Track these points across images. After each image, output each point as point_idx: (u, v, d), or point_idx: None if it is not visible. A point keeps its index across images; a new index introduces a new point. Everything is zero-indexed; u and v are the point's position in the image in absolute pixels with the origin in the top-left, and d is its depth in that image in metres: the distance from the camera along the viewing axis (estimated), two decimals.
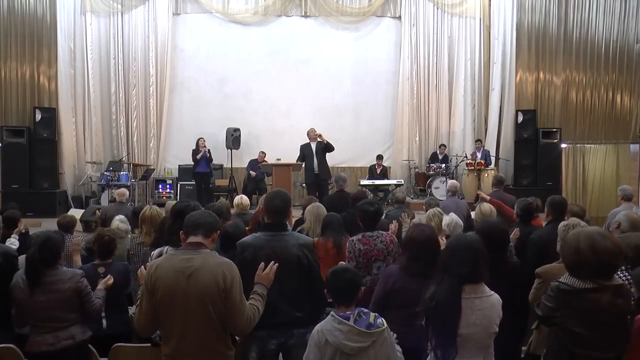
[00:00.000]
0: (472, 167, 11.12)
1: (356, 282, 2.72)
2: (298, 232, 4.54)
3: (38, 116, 10.75)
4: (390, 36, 12.58)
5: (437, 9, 12.34)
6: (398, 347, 2.71)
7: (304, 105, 12.30)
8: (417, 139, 12.41)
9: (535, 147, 11.55)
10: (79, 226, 5.73)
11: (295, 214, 7.22)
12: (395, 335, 2.68)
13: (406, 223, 5.26)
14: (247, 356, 3.07)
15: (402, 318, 3.00)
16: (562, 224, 3.48)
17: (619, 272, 2.72)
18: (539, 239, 4.24)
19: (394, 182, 11.32)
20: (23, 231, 5.05)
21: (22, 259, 3.58)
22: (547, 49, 11.80)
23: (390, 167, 12.27)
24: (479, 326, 2.53)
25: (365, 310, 2.61)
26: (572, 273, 2.49)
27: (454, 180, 8.54)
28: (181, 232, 2.75)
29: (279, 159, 10.28)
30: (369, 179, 11.41)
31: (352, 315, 2.55)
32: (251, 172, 11.17)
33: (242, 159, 11.80)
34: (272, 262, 2.87)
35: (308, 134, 9.56)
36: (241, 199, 6.38)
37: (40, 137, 10.77)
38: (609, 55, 11.70)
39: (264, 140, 12.12)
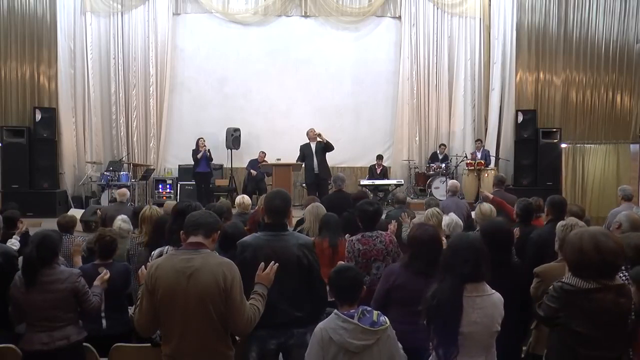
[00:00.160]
0: (472, 167, 11.12)
1: (359, 280, 2.74)
2: (298, 232, 4.55)
3: (38, 116, 10.75)
4: (390, 36, 12.58)
5: (437, 9, 12.34)
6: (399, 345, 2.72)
7: (304, 105, 12.30)
8: (417, 139, 12.41)
9: (535, 147, 11.55)
10: (79, 226, 5.73)
11: (295, 214, 7.23)
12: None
13: (406, 223, 5.27)
14: (247, 356, 3.07)
15: (401, 315, 3.01)
16: (560, 223, 3.48)
17: (619, 272, 2.72)
18: (539, 238, 4.24)
19: (394, 182, 11.32)
20: (24, 231, 5.04)
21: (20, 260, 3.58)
22: (547, 49, 11.80)
23: (390, 167, 12.27)
24: (480, 325, 2.54)
25: (369, 308, 2.63)
26: (575, 273, 2.49)
27: (455, 180, 8.55)
28: (182, 232, 2.75)
29: (279, 159, 10.28)
30: (369, 179, 11.41)
31: (356, 314, 2.57)
32: (252, 170, 11.17)
33: (242, 159, 11.81)
34: (273, 262, 2.87)
35: (307, 134, 9.58)
36: (243, 198, 6.40)
37: (40, 137, 10.77)
38: (609, 55, 11.70)
39: (264, 140, 12.12)
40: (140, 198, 11.13)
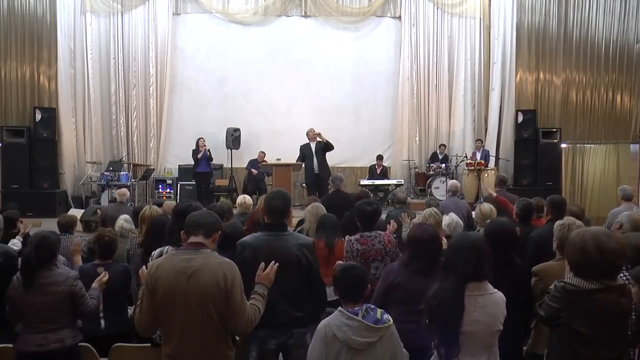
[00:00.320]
0: (472, 167, 11.13)
1: (364, 279, 2.76)
2: (298, 232, 4.55)
3: (38, 116, 10.75)
4: (390, 36, 12.58)
5: (437, 9, 12.34)
6: None
7: (304, 105, 12.30)
8: (417, 139, 12.41)
9: (535, 147, 11.55)
10: (79, 226, 5.73)
11: (295, 214, 7.23)
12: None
13: (406, 223, 5.27)
14: (247, 356, 3.07)
15: (400, 314, 3.02)
16: (557, 222, 3.48)
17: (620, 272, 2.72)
18: (539, 238, 4.25)
19: (394, 182, 11.33)
20: (27, 232, 5.03)
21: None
22: (547, 49, 11.80)
23: (390, 167, 12.27)
24: (482, 324, 2.54)
25: (372, 306, 2.65)
26: (576, 273, 2.49)
27: (455, 180, 8.55)
28: (182, 232, 2.75)
29: (279, 159, 10.28)
30: (369, 179, 11.42)
31: (360, 311, 2.58)
32: (252, 170, 11.17)
33: (242, 159, 11.81)
34: (273, 261, 2.87)
35: (307, 134, 9.59)
36: (244, 198, 6.41)
37: (40, 137, 10.77)
38: (609, 55, 11.70)
39: (264, 140, 12.12)
40: (140, 198, 11.13)
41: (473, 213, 6.22)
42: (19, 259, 3.76)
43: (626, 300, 2.46)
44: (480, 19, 12.19)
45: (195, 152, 10.89)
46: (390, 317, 2.63)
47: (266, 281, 2.83)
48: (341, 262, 4.07)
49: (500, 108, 12.05)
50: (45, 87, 11.07)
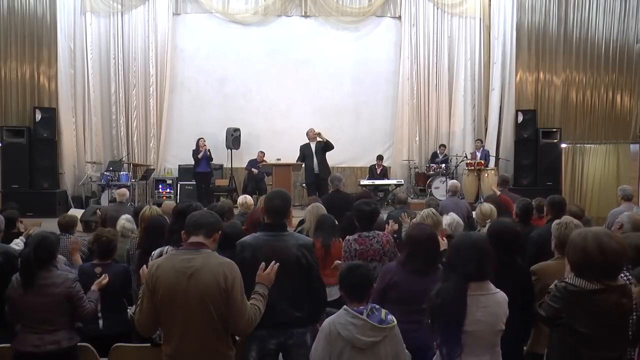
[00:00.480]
0: (472, 167, 11.13)
1: (370, 278, 2.78)
2: (298, 232, 4.55)
3: (38, 116, 10.75)
4: (390, 36, 12.57)
5: (437, 9, 12.33)
6: None
7: (304, 105, 12.30)
8: (417, 139, 12.41)
9: (535, 147, 11.55)
10: (79, 227, 5.73)
11: (295, 214, 7.23)
12: None
13: (406, 223, 5.26)
14: (247, 356, 3.07)
15: (398, 314, 3.01)
16: (555, 222, 3.48)
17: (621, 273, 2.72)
18: (539, 238, 4.25)
19: (394, 182, 11.33)
20: (30, 233, 5.02)
21: None
22: (547, 49, 11.81)
23: (390, 167, 12.27)
24: (484, 323, 2.54)
25: (377, 306, 2.67)
26: (577, 274, 2.48)
27: (455, 180, 8.55)
28: (183, 232, 2.75)
29: (279, 159, 10.28)
30: (369, 179, 11.42)
31: (365, 310, 2.60)
32: (253, 169, 11.16)
33: (242, 159, 11.80)
34: (273, 261, 2.87)
35: (307, 134, 9.59)
36: (245, 198, 6.43)
37: (40, 137, 10.77)
38: (609, 55, 11.70)
39: (264, 140, 12.12)
40: (140, 198, 11.13)
41: (473, 213, 6.23)
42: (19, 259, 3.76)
43: (627, 301, 2.46)
44: (480, 19, 12.19)
45: (195, 152, 10.89)
46: (394, 318, 2.64)
47: (267, 281, 2.82)
48: (339, 261, 4.07)
49: (500, 108, 12.05)
50: (45, 87, 11.07)
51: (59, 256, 3.69)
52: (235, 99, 12.33)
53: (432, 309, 2.57)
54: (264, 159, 11.31)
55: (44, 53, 10.99)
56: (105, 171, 10.82)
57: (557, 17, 11.74)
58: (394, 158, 12.42)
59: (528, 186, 11.15)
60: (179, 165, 11.96)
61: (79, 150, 11.60)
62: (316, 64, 12.41)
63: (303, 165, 9.55)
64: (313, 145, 9.45)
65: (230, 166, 11.57)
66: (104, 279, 3.60)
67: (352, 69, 12.48)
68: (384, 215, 6.37)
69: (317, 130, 9.53)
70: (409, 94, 12.26)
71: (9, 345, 3.26)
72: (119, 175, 10.73)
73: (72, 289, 3.27)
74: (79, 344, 3.34)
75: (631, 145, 11.85)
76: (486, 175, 11.01)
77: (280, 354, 3.16)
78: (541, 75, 11.89)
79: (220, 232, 2.79)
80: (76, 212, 7.17)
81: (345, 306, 2.67)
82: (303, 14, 12.32)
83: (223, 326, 2.63)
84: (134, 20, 11.88)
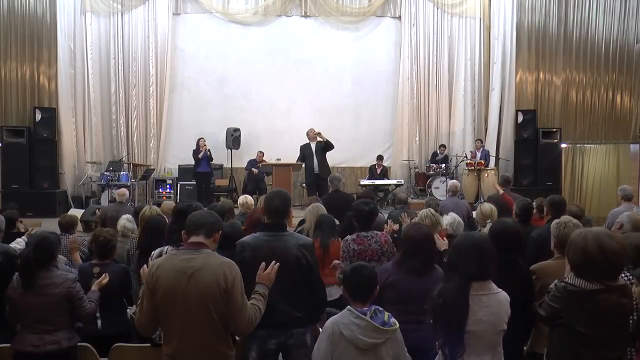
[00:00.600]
0: (472, 167, 11.13)
1: (374, 279, 2.78)
2: (299, 232, 4.55)
3: (38, 116, 10.75)
4: (390, 36, 12.58)
5: (437, 9, 12.34)
6: None
7: (304, 105, 12.30)
8: (417, 139, 12.41)
9: (535, 147, 11.56)
10: (80, 227, 5.73)
11: (295, 214, 7.23)
12: None
13: (406, 223, 5.25)
14: (247, 356, 3.07)
15: (394, 314, 3.01)
16: (554, 222, 3.49)
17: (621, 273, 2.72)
18: (539, 238, 4.25)
19: (394, 182, 11.33)
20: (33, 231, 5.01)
21: None
22: (547, 49, 11.81)
23: (390, 167, 12.27)
24: (486, 323, 2.54)
25: (380, 308, 2.66)
26: (578, 274, 2.48)
27: (455, 180, 8.55)
28: (183, 231, 2.75)
29: (279, 159, 10.29)
30: (369, 179, 11.43)
31: (368, 312, 2.60)
32: (253, 169, 11.16)
33: (242, 159, 11.80)
34: (274, 261, 2.87)
35: (307, 134, 9.59)
36: (246, 198, 6.43)
37: (40, 137, 10.77)
38: (609, 55, 11.71)
39: (264, 140, 12.12)
40: (140, 198, 11.13)
41: (473, 213, 6.23)
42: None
43: (627, 301, 2.46)
44: (480, 19, 12.19)
45: (195, 152, 10.90)
46: (396, 321, 2.64)
47: (267, 281, 2.82)
48: (337, 261, 4.07)
49: (500, 108, 12.05)
50: (45, 87, 11.07)
51: (60, 256, 3.69)
52: (235, 99, 12.33)
53: (434, 309, 2.57)
54: (263, 158, 11.31)
55: (44, 53, 10.99)
56: (105, 171, 10.82)
57: (557, 17, 11.75)
58: (394, 158, 12.42)
59: (528, 186, 11.14)
60: (179, 165, 11.96)
61: (79, 150, 11.60)
62: (316, 64, 12.41)
63: (303, 165, 9.55)
64: (313, 145, 9.45)
65: (230, 166, 11.57)
66: (104, 279, 3.59)
67: (352, 69, 12.48)
68: (385, 215, 6.37)
69: (317, 130, 9.53)
70: (409, 94, 12.26)
71: (9, 345, 3.26)
72: (119, 175, 10.73)
73: (72, 289, 3.26)
74: (78, 344, 3.34)
75: (631, 145, 11.86)
76: (486, 175, 11.01)
77: (280, 354, 3.15)
78: (541, 75, 11.90)
79: (220, 232, 2.79)
80: (76, 212, 7.19)
81: (349, 306, 2.67)
82: (303, 14, 12.32)
83: (223, 326, 2.63)
84: (134, 20, 11.88)
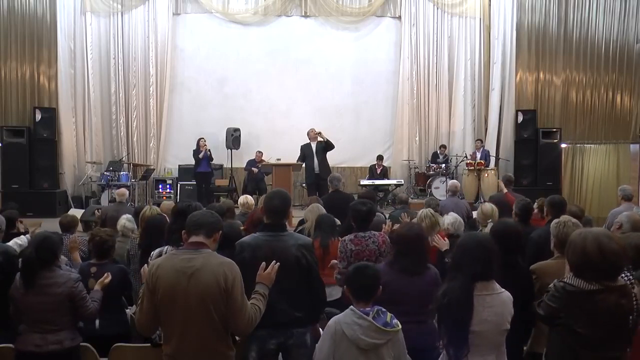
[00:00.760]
0: (472, 167, 11.13)
1: (378, 279, 2.77)
2: (299, 232, 4.54)
3: (38, 116, 10.75)
4: (390, 36, 12.57)
5: (437, 9, 12.33)
6: None
7: (304, 105, 12.30)
8: (417, 139, 12.41)
9: (535, 147, 11.56)
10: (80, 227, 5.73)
11: (295, 214, 7.23)
12: None
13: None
14: (247, 356, 3.07)
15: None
16: (554, 221, 3.49)
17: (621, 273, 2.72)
18: (539, 238, 4.25)
19: (394, 182, 11.33)
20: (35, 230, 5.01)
21: None
22: (547, 49, 11.81)
23: (390, 167, 12.27)
24: (491, 323, 2.55)
25: (383, 309, 2.66)
26: (577, 274, 2.48)
27: (455, 180, 8.55)
28: (183, 231, 2.75)
29: (279, 159, 10.29)
30: (369, 179, 11.42)
31: (371, 312, 2.61)
32: (253, 168, 11.16)
33: (242, 159, 11.80)
34: (274, 261, 2.87)
35: (308, 134, 9.59)
36: (246, 198, 6.43)
37: (40, 137, 10.77)
38: (609, 55, 11.71)
39: (264, 140, 12.11)
40: (140, 198, 11.13)
41: (474, 213, 6.23)
42: (20, 258, 3.76)
43: (626, 301, 2.46)
44: (480, 19, 12.19)
45: (196, 152, 10.90)
46: (399, 322, 2.64)
47: (267, 281, 2.82)
48: (335, 261, 4.06)
49: (500, 108, 12.05)
50: (45, 87, 11.07)
51: (61, 257, 3.69)
52: (235, 99, 12.32)
53: (438, 309, 2.57)
54: (262, 158, 11.30)
55: (44, 53, 10.99)
56: (105, 171, 10.82)
57: (557, 17, 11.75)
58: (394, 158, 12.42)
59: (528, 186, 11.13)
60: (179, 165, 11.96)
61: (79, 150, 11.60)
62: (316, 64, 12.40)
63: (303, 165, 9.54)
64: (314, 145, 9.45)
65: (230, 166, 11.57)
66: (107, 279, 3.59)
67: (352, 69, 12.47)
68: (386, 215, 6.37)
69: (317, 130, 9.53)
70: (409, 94, 12.26)
71: (9, 345, 3.26)
72: (119, 175, 10.73)
73: (75, 289, 3.26)
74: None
75: (631, 145, 11.86)
76: (486, 175, 11.02)
77: (280, 354, 3.15)
78: (541, 75, 11.90)
79: (220, 232, 2.79)
80: (76, 212, 7.18)
81: (352, 306, 2.67)
82: (303, 14, 12.32)
83: (223, 326, 2.63)
84: (134, 20, 11.88)
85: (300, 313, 3.10)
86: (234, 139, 11.55)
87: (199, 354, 2.61)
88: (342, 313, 2.69)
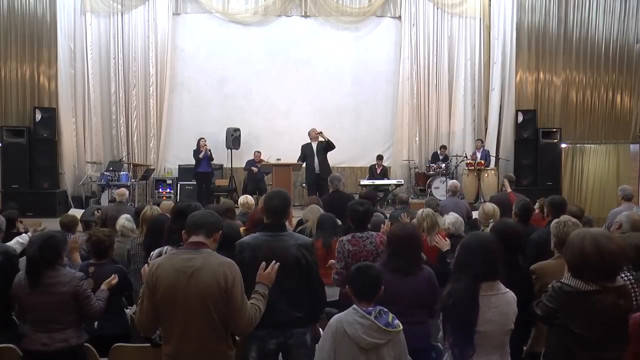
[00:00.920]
0: (472, 167, 11.13)
1: (379, 279, 2.77)
2: (299, 232, 4.54)
3: (38, 116, 10.75)
4: (390, 36, 12.57)
5: (437, 9, 12.33)
6: None
7: (304, 105, 12.30)
8: (417, 139, 12.41)
9: (535, 147, 11.56)
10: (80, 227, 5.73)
11: (295, 214, 7.23)
12: None
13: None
14: (247, 356, 3.07)
15: None
16: (554, 221, 3.49)
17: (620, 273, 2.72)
18: (539, 239, 4.25)
19: (394, 182, 11.33)
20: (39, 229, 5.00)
21: (23, 260, 3.57)
22: (547, 49, 11.81)
23: (390, 167, 12.27)
24: (495, 323, 2.55)
25: (385, 309, 2.67)
26: (575, 274, 2.48)
27: (455, 180, 8.56)
28: (183, 231, 2.75)
29: (279, 159, 10.29)
30: (369, 179, 11.42)
31: (373, 312, 2.61)
32: (253, 168, 11.15)
33: (242, 159, 11.79)
34: (274, 261, 2.87)
35: (309, 134, 9.59)
36: (246, 198, 6.42)
37: (40, 137, 10.77)
38: (609, 55, 11.71)
39: (264, 140, 12.12)
40: (140, 198, 11.13)
41: (475, 213, 6.22)
42: (20, 258, 3.76)
43: (624, 302, 2.45)
44: (480, 19, 12.19)
45: (196, 152, 10.90)
46: (400, 323, 2.64)
47: (267, 281, 2.82)
48: (333, 261, 4.06)
49: (500, 108, 12.05)
50: (45, 87, 11.07)
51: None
52: (235, 99, 12.32)
53: (443, 309, 2.57)
54: (261, 158, 11.30)
55: (44, 53, 10.99)
56: (105, 171, 10.83)
57: (557, 17, 11.75)
58: (394, 158, 12.42)
59: (528, 186, 11.12)
60: (179, 165, 11.96)
61: (79, 150, 11.60)
62: (316, 64, 12.40)
63: (303, 165, 9.54)
64: (314, 145, 9.44)
65: (230, 166, 11.57)
66: (114, 279, 3.60)
67: (352, 69, 12.47)
68: (386, 215, 6.36)
69: (318, 130, 9.53)
70: (409, 94, 12.26)
71: (10, 345, 3.26)
72: (119, 175, 10.73)
73: (79, 288, 3.26)
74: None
75: (631, 145, 11.85)
76: (486, 175, 11.02)
77: (280, 354, 3.16)
78: (541, 75, 11.90)
79: (220, 232, 2.79)
80: (76, 212, 7.17)
81: (354, 305, 2.68)
82: (303, 14, 12.32)
83: (223, 326, 2.63)
84: (134, 20, 11.88)
85: (300, 313, 3.10)
86: (234, 139, 11.55)
87: (199, 353, 2.61)
88: (344, 312, 2.69)
